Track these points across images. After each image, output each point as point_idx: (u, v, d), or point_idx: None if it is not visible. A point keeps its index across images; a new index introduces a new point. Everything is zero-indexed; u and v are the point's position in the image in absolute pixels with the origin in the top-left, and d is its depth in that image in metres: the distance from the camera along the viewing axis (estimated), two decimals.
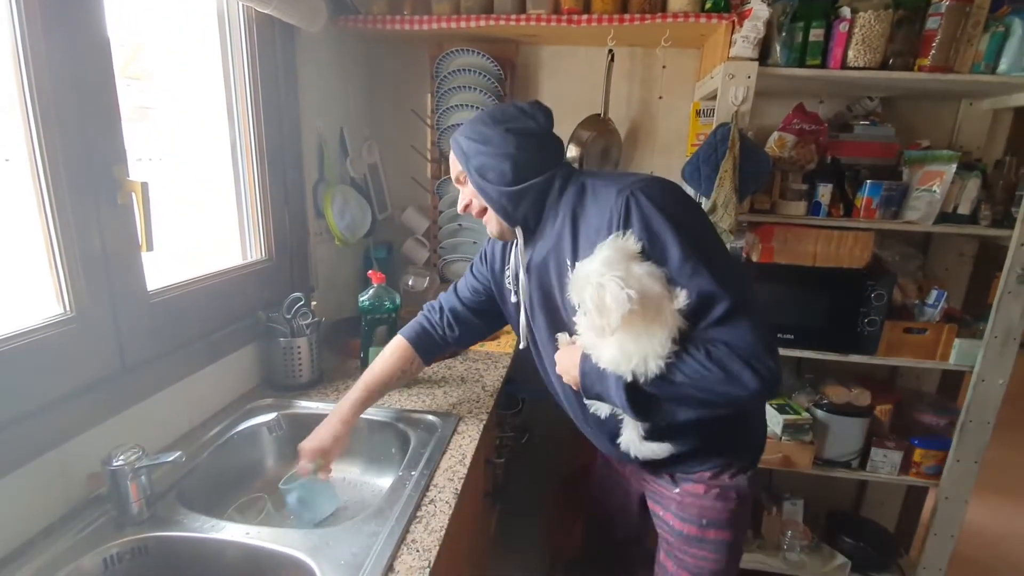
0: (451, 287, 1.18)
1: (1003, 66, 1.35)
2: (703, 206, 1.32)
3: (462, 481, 0.91)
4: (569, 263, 0.86)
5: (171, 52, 1.04)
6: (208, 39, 1.14)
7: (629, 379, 0.76)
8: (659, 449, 0.89)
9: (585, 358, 0.82)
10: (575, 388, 0.87)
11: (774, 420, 1.62)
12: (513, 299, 1.01)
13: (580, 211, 0.87)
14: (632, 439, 0.90)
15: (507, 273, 1.03)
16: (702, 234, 0.81)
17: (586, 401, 0.91)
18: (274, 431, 0.92)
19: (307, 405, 1.15)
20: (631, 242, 0.76)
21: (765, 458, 1.59)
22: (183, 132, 1.08)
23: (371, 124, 1.80)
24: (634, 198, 0.78)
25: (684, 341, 0.75)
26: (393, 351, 1.09)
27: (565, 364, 0.88)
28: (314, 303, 1.26)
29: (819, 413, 1.62)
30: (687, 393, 0.76)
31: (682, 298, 0.74)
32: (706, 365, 0.73)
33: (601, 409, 0.91)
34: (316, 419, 1.12)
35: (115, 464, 0.76)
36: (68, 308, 0.80)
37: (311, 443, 0.95)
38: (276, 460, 1.09)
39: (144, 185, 0.86)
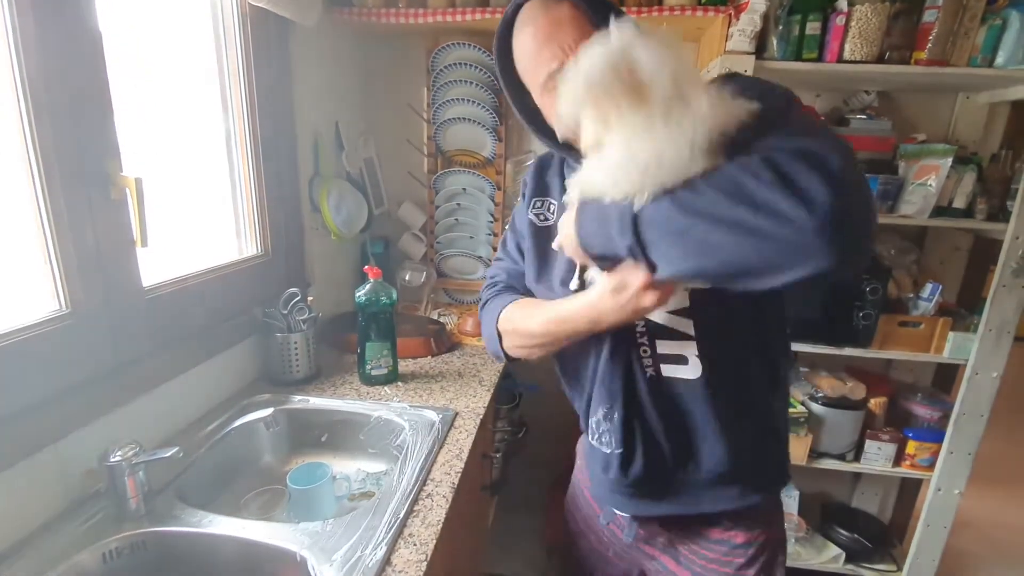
0: (499, 282, 0.94)
1: (1000, 59, 1.34)
2: None
3: (459, 475, 0.91)
4: None
5: (164, 46, 1.04)
6: (202, 33, 1.13)
7: (637, 206, 0.57)
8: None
9: (583, 205, 0.65)
10: (577, 258, 0.71)
11: None
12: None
13: None
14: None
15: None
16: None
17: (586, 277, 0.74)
18: (271, 427, 0.93)
19: (304, 400, 1.15)
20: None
21: None
22: (177, 126, 1.08)
23: (367, 118, 1.79)
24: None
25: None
26: None
27: (566, 229, 0.70)
28: (310, 298, 1.26)
29: (814, 406, 1.63)
30: (715, 212, 0.52)
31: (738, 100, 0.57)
32: (754, 168, 0.51)
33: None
34: (313, 414, 1.13)
35: (112, 460, 0.77)
36: (63, 305, 0.80)
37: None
38: (273, 456, 1.10)
39: (138, 180, 0.86)
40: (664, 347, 0.75)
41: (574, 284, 0.77)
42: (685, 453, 0.78)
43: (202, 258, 1.13)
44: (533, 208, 0.87)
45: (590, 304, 0.69)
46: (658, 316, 0.74)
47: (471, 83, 1.65)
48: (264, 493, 0.98)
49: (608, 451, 0.81)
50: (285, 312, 1.20)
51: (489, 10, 1.44)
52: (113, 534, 0.75)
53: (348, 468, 1.07)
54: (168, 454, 0.79)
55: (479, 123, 1.69)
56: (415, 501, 0.84)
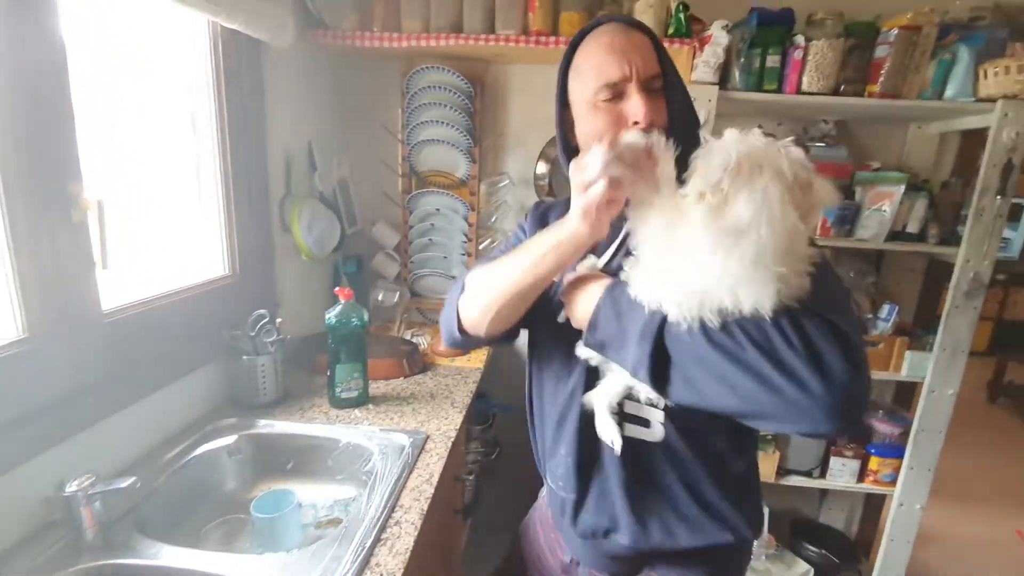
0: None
1: (950, 92, 1.42)
2: None
3: (428, 501, 0.91)
4: None
5: (133, 66, 1.03)
6: (171, 52, 1.13)
7: (672, 314, 0.58)
8: (651, 430, 0.72)
9: (616, 284, 0.66)
10: (575, 324, 0.71)
11: None
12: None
13: None
14: (604, 417, 0.73)
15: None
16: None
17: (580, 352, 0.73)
18: (234, 454, 0.90)
19: (270, 425, 1.13)
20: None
21: None
22: (145, 146, 1.06)
23: (341, 138, 1.79)
24: None
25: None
26: None
27: (576, 292, 0.69)
28: (279, 320, 1.24)
29: None
30: (742, 356, 0.55)
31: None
32: (786, 331, 0.54)
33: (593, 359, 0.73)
34: (280, 439, 1.11)
35: (68, 490, 0.75)
36: (21, 330, 0.78)
37: None
38: (237, 484, 1.07)
39: (100, 203, 0.85)
40: (630, 407, 0.74)
41: (562, 317, 0.75)
42: (641, 519, 0.75)
43: (168, 280, 1.11)
44: None
45: (559, 224, 0.66)
46: (632, 380, 0.70)
47: (445, 106, 1.67)
48: (226, 523, 0.96)
49: (564, 495, 0.80)
50: (252, 334, 1.18)
51: (463, 36, 1.47)
52: (69, 566, 0.73)
53: (315, 495, 1.05)
54: (124, 484, 0.78)
55: (453, 145, 1.70)
56: (383, 529, 0.82)
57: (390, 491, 0.91)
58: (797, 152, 0.57)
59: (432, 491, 0.93)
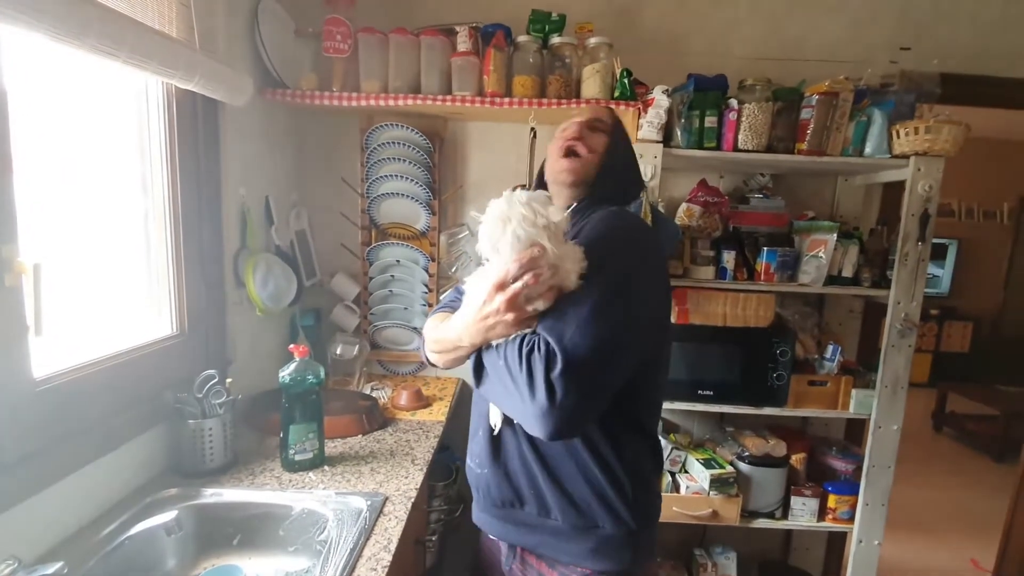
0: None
1: (868, 149, 1.56)
2: None
3: (386, 570, 0.87)
4: None
5: (79, 119, 1.01)
6: (123, 107, 1.11)
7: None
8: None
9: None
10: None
11: (701, 476, 1.67)
12: None
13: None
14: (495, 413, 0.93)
15: None
16: (634, 284, 0.81)
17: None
18: (173, 532, 0.84)
19: (217, 494, 1.06)
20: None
21: (696, 514, 1.64)
22: (92, 204, 1.03)
23: (299, 191, 1.79)
24: (608, 214, 0.88)
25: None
26: None
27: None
28: (230, 380, 1.19)
29: (742, 466, 1.69)
30: (497, 372, 0.79)
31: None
32: (521, 356, 0.75)
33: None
34: (227, 509, 1.04)
35: None
36: None
37: None
38: (178, 561, 0.99)
39: (37, 266, 0.82)
40: None
41: None
42: (539, 494, 0.90)
43: (109, 342, 1.05)
44: None
45: (462, 320, 0.83)
46: None
47: (404, 160, 1.70)
48: None
49: (480, 471, 0.95)
50: (200, 396, 1.13)
51: (420, 96, 1.52)
52: None
53: (264, 569, 0.99)
54: (51, 570, 0.71)
55: (413, 198, 1.73)
56: None
57: (345, 561, 0.87)
58: (521, 193, 0.79)
59: (390, 559, 0.89)
